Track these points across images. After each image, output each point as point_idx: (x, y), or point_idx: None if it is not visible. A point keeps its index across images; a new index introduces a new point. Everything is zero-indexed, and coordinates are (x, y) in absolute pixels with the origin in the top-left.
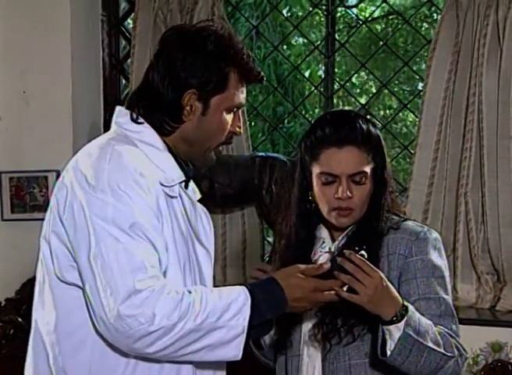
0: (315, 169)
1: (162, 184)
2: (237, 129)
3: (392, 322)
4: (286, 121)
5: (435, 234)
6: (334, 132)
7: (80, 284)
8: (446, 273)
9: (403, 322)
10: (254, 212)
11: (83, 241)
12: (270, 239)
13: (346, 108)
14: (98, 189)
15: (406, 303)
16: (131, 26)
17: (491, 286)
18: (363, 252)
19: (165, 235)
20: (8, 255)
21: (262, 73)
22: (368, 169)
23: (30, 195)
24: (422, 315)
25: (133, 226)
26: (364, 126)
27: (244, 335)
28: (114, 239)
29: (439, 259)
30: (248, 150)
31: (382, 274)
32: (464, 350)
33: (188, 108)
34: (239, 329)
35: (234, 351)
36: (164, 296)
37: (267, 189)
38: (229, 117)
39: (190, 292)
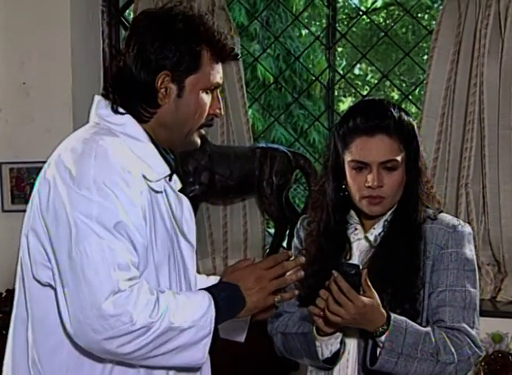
0: (347, 158)
1: (148, 179)
2: (217, 111)
3: (373, 336)
4: (293, 112)
5: (469, 229)
6: (365, 121)
7: (54, 284)
8: (476, 268)
9: (382, 338)
10: (254, 203)
11: (65, 239)
12: (271, 230)
13: (350, 98)
14: (83, 186)
15: (392, 316)
16: (131, 16)
17: (492, 277)
18: (355, 271)
19: (146, 232)
20: (8, 246)
21: (236, 50)
22: (399, 157)
23: (30, 186)
24: (446, 306)
25: (117, 225)
26: (396, 115)
27: (211, 336)
28: (97, 237)
29: (472, 253)
30: (249, 141)
31: (365, 300)
32: (478, 347)
33: (163, 90)
34: (206, 330)
35: (201, 353)
36: (142, 295)
37: (268, 180)
38: (206, 98)
39: (162, 292)
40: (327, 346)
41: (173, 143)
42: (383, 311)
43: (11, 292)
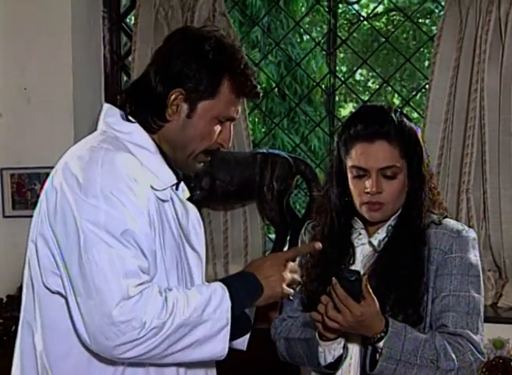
0: (348, 163)
1: (154, 189)
2: (224, 143)
3: (372, 342)
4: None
5: (474, 234)
6: (365, 127)
7: (63, 292)
8: (481, 273)
9: (380, 344)
10: (255, 208)
11: (74, 247)
12: (272, 236)
13: (351, 104)
14: (90, 194)
15: (390, 322)
16: (132, 22)
17: (493, 283)
18: (355, 277)
19: (156, 243)
20: (9, 252)
21: (259, 89)
22: (399, 164)
23: (31, 192)
24: (449, 311)
25: (124, 233)
26: (397, 121)
27: (229, 327)
28: (106, 245)
29: (476, 259)
30: (249, 147)
31: (362, 309)
32: (481, 353)
33: (174, 107)
34: (223, 321)
35: (221, 345)
36: (151, 298)
37: (268, 186)
38: (216, 127)
39: (170, 290)
40: (330, 351)
41: (175, 160)
42: (382, 317)
43: (11, 298)
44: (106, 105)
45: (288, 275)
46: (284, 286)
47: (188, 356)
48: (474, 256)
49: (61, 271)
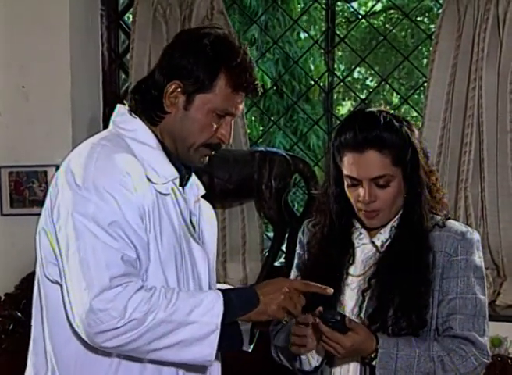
0: (343, 171)
1: (153, 182)
2: (222, 137)
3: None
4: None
5: (478, 236)
6: (354, 136)
7: (60, 281)
8: (485, 275)
9: (373, 363)
10: (253, 207)
11: (65, 238)
12: (270, 234)
13: (350, 102)
14: (84, 188)
15: (380, 343)
16: (130, 20)
17: (491, 281)
18: (336, 320)
19: (150, 234)
20: (7, 250)
21: (257, 83)
22: (392, 171)
23: (29, 190)
24: (456, 314)
25: (112, 224)
26: (387, 128)
27: (218, 332)
28: (93, 235)
29: (480, 260)
30: (246, 145)
31: (351, 340)
32: (486, 355)
33: (172, 99)
34: (212, 326)
35: (208, 349)
36: (135, 292)
37: (266, 184)
38: (214, 121)
39: (160, 289)
40: (313, 356)
41: (179, 155)
42: (373, 336)
43: (10, 296)
44: (118, 106)
45: (285, 298)
46: (279, 307)
47: (175, 356)
48: (478, 258)
49: (58, 261)
